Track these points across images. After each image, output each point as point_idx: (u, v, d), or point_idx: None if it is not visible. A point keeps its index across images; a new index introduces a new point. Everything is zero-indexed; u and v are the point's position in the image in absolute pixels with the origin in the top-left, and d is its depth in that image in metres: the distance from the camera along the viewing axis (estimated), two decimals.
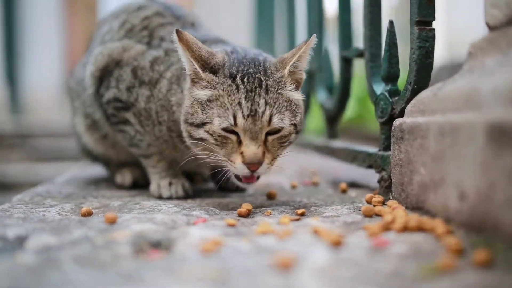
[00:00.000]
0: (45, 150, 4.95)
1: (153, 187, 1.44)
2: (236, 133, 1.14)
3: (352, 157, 1.53)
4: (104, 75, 1.46)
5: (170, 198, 1.39)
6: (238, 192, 1.52)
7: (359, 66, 1.76)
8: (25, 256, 0.83)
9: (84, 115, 1.62)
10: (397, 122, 1.21)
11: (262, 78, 1.15)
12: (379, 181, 1.34)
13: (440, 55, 1.21)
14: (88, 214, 1.16)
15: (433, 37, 1.22)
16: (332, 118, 1.84)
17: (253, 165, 1.13)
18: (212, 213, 1.19)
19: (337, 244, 0.86)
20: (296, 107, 1.19)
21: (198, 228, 1.00)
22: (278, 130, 1.16)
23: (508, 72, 0.88)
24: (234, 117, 1.12)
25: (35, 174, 4.16)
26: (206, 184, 1.69)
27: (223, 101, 1.13)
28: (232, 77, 1.15)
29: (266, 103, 1.13)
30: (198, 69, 1.16)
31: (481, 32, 1.10)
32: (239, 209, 1.17)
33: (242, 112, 1.12)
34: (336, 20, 1.75)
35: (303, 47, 1.19)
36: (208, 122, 1.15)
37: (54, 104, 6.86)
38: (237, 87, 1.14)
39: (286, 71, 1.19)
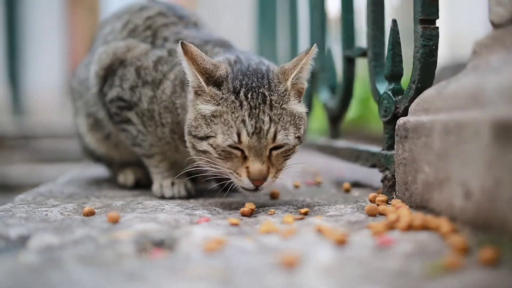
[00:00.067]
0: (47, 151, 4.96)
1: (155, 187, 1.44)
2: (241, 149, 1.13)
3: (355, 156, 1.53)
4: (108, 74, 1.46)
5: (172, 198, 1.39)
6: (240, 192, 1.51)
7: (360, 67, 1.76)
8: (27, 255, 0.83)
9: (87, 114, 1.62)
10: (401, 121, 1.20)
11: (266, 93, 1.14)
12: (382, 180, 1.33)
13: (442, 55, 1.21)
14: (91, 213, 1.15)
15: (436, 36, 1.22)
16: (335, 118, 1.83)
17: (258, 181, 1.13)
18: (215, 213, 1.18)
19: (341, 242, 0.86)
20: (299, 120, 1.18)
21: (201, 227, 1.00)
22: (281, 145, 1.15)
23: None
24: (239, 135, 1.11)
25: (37, 175, 4.16)
26: (208, 184, 1.68)
27: (227, 118, 1.12)
28: (236, 92, 1.14)
29: (270, 120, 1.12)
30: (203, 83, 1.15)
31: (483, 32, 1.09)
32: (242, 209, 1.17)
33: (247, 130, 1.11)
34: (338, 20, 1.74)
35: (304, 58, 1.18)
36: (212, 136, 1.14)
37: (56, 105, 6.87)
38: (241, 104, 1.12)
39: (289, 83, 1.18)
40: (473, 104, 0.92)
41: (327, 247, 0.85)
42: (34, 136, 5.25)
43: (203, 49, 1.29)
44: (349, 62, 1.68)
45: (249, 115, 1.11)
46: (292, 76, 1.18)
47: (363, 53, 1.52)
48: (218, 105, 1.14)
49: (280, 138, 1.13)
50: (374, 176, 1.53)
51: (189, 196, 1.41)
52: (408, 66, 1.32)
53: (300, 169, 1.95)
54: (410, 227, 0.95)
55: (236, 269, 0.75)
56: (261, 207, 1.25)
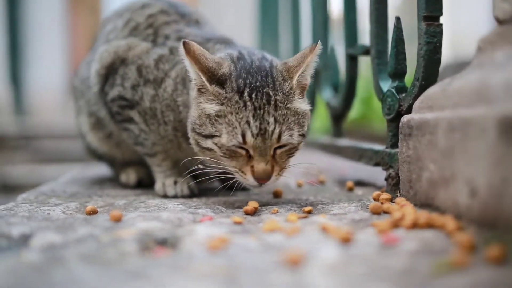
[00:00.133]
0: (49, 152, 4.96)
1: (158, 186, 1.43)
2: (245, 148, 1.13)
3: (358, 155, 1.52)
4: (109, 73, 1.45)
5: (175, 196, 1.38)
6: (243, 191, 1.51)
7: (362, 66, 1.75)
8: (29, 254, 0.82)
9: (89, 114, 1.61)
10: (404, 118, 1.19)
11: (271, 93, 1.13)
12: (386, 179, 1.32)
13: (444, 54, 1.20)
14: (93, 212, 1.15)
15: (440, 33, 1.21)
16: (338, 117, 1.82)
17: (263, 179, 1.14)
18: (218, 211, 1.18)
19: (346, 241, 0.85)
20: (303, 117, 1.18)
21: (205, 226, 0.99)
22: (286, 145, 1.15)
23: None
24: (243, 136, 1.11)
25: (38, 175, 4.16)
26: (211, 182, 1.68)
27: (231, 119, 1.12)
28: (240, 92, 1.13)
29: (275, 120, 1.12)
30: (206, 83, 1.14)
31: (485, 30, 1.08)
32: (245, 207, 1.16)
33: (251, 131, 1.11)
34: (341, 18, 1.74)
35: (310, 56, 1.18)
36: (216, 136, 1.14)
37: (58, 105, 6.87)
38: (245, 104, 1.12)
39: (294, 82, 1.17)
40: (479, 100, 0.91)
41: (332, 245, 0.84)
42: (35, 136, 5.25)
43: (205, 47, 1.28)
44: (352, 60, 1.68)
45: (253, 116, 1.11)
46: (297, 74, 1.17)
47: (366, 51, 1.52)
48: (222, 104, 1.13)
49: (285, 138, 1.13)
50: (378, 174, 1.53)
51: (192, 195, 1.40)
52: (411, 64, 1.32)
53: (303, 168, 1.94)
54: (415, 225, 0.94)
55: (240, 268, 0.74)
56: (264, 205, 1.24)
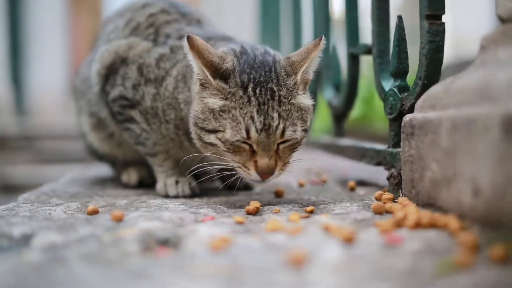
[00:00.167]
0: (50, 152, 4.95)
1: (159, 185, 1.42)
2: (249, 143, 1.13)
3: (360, 154, 1.51)
4: (110, 73, 1.45)
5: (176, 196, 1.38)
6: (245, 191, 1.51)
7: (363, 65, 1.74)
8: (31, 254, 0.82)
9: (89, 114, 1.61)
10: (407, 118, 1.19)
11: (275, 89, 1.13)
12: (388, 178, 1.32)
13: (445, 54, 1.20)
14: (95, 212, 1.15)
15: (443, 31, 1.20)
16: (340, 116, 1.82)
17: (266, 174, 1.14)
18: (220, 211, 1.17)
19: (349, 240, 0.84)
20: (306, 112, 1.18)
21: (206, 225, 0.99)
22: (290, 140, 1.15)
23: None
24: (247, 131, 1.11)
25: (40, 176, 4.16)
26: (212, 182, 1.67)
27: (235, 114, 1.12)
28: (244, 87, 1.13)
29: (279, 116, 1.12)
30: (209, 77, 1.14)
31: (486, 30, 1.08)
32: (247, 207, 1.16)
33: (255, 127, 1.10)
34: (342, 18, 1.73)
35: (314, 51, 1.18)
36: (220, 130, 1.13)
37: (59, 105, 6.88)
38: (249, 99, 1.11)
39: (299, 77, 1.17)
40: (482, 99, 0.91)
41: (335, 245, 0.83)
42: (36, 136, 5.25)
43: None
44: (353, 60, 1.67)
45: (257, 112, 1.11)
46: (302, 70, 1.17)
47: (368, 50, 1.51)
48: (226, 99, 1.13)
49: (289, 133, 1.13)
50: (379, 174, 1.52)
51: (193, 195, 1.40)
52: (413, 64, 1.31)
53: (304, 167, 1.94)
54: (417, 225, 0.94)
55: (243, 267, 0.74)
56: (266, 205, 1.24)
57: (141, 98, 1.39)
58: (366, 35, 1.59)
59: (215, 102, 1.14)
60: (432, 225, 0.93)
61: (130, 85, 1.40)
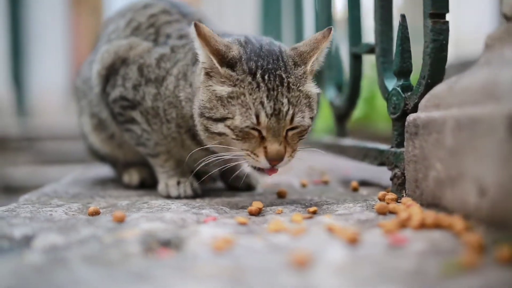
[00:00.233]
0: (52, 153, 4.95)
1: (161, 186, 1.42)
2: (258, 130, 1.12)
3: (363, 154, 1.50)
4: (110, 73, 1.44)
5: (178, 197, 1.37)
6: (247, 191, 1.50)
7: (364, 65, 1.73)
8: (32, 255, 0.81)
9: (91, 114, 1.60)
10: (410, 117, 1.18)
11: (284, 76, 1.13)
12: (391, 179, 1.31)
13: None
14: (96, 213, 1.14)
15: (447, 30, 1.19)
16: (342, 116, 1.81)
17: (275, 161, 1.13)
18: (222, 212, 1.16)
19: (353, 241, 0.83)
20: (313, 101, 1.19)
21: (209, 226, 0.98)
22: (297, 126, 1.15)
23: None
24: (257, 117, 1.10)
25: (41, 177, 4.15)
26: (214, 183, 1.67)
27: (245, 100, 1.11)
28: (252, 73, 1.12)
29: (289, 102, 1.12)
30: (217, 65, 1.13)
31: (486, 30, 1.07)
32: (249, 208, 1.15)
33: (265, 112, 1.10)
34: (344, 18, 1.72)
35: (324, 42, 1.19)
36: (229, 118, 1.12)
37: (60, 106, 6.88)
38: (258, 85, 1.11)
39: (309, 67, 1.18)
40: (487, 98, 0.90)
41: (339, 246, 0.82)
42: (38, 137, 5.25)
43: None
44: (356, 59, 1.66)
45: (267, 97, 1.11)
46: (312, 60, 1.18)
47: (371, 50, 1.50)
48: (234, 86, 1.13)
49: (297, 120, 1.13)
50: (382, 174, 1.51)
51: (195, 195, 1.39)
52: (415, 63, 1.30)
53: (306, 167, 1.93)
54: (422, 226, 0.92)
55: (246, 269, 0.73)
56: (268, 206, 1.23)
57: (141, 99, 1.38)
58: (368, 34, 1.59)
59: (223, 89, 1.13)
60: (437, 226, 0.92)
61: (131, 85, 1.39)
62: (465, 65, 1.13)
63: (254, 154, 1.13)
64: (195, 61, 1.30)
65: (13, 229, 0.94)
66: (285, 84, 1.13)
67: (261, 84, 1.11)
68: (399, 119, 1.30)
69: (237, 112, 1.11)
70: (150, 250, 0.84)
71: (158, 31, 1.44)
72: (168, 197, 1.38)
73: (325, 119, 3.13)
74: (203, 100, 1.16)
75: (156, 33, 1.44)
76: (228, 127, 1.13)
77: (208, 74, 1.16)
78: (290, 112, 1.12)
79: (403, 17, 1.29)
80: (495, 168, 0.83)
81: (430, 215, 0.94)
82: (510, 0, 0.99)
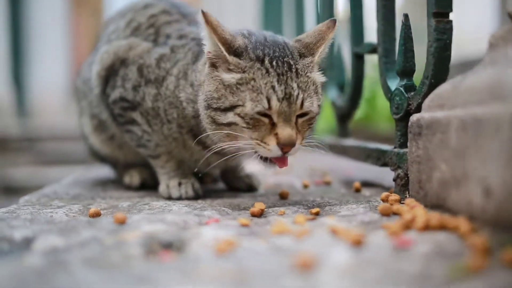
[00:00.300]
0: (52, 154, 4.95)
1: (162, 187, 1.41)
2: (268, 116, 1.11)
3: (365, 155, 1.49)
4: (110, 74, 1.43)
5: (179, 198, 1.36)
6: (248, 192, 1.49)
7: (366, 65, 1.72)
8: (32, 258, 0.80)
9: (91, 115, 1.59)
10: (414, 117, 1.17)
11: (291, 62, 1.14)
12: (394, 179, 1.30)
13: None
14: (97, 215, 1.13)
15: (451, 29, 1.18)
16: (344, 116, 1.80)
17: (287, 147, 1.11)
18: (224, 213, 1.15)
19: (358, 243, 0.82)
20: (319, 89, 1.19)
21: (211, 228, 0.97)
22: (306, 113, 1.15)
23: None
24: (268, 101, 1.09)
25: (41, 177, 4.15)
26: (215, 184, 1.66)
27: (255, 85, 1.11)
28: (260, 60, 1.13)
29: (298, 86, 1.12)
30: (225, 52, 1.13)
31: (487, 30, 1.06)
32: (252, 209, 1.14)
33: (277, 95, 1.10)
34: (346, 17, 1.71)
35: (330, 33, 1.20)
36: (239, 105, 1.11)
37: (61, 107, 6.87)
38: (267, 70, 1.11)
39: (316, 58, 1.19)
40: (493, 98, 0.89)
41: (343, 248, 0.81)
42: (38, 138, 5.25)
43: None
44: (358, 59, 1.65)
45: (277, 81, 1.11)
46: (320, 51, 1.19)
47: (373, 49, 1.49)
48: (243, 72, 1.12)
49: (307, 105, 1.13)
50: (384, 175, 1.50)
51: (196, 196, 1.37)
52: (417, 64, 1.29)
53: (308, 168, 1.92)
54: (427, 227, 0.91)
55: (249, 272, 0.72)
56: (270, 207, 1.22)
57: (141, 99, 1.37)
58: (370, 34, 1.57)
59: (232, 76, 1.13)
60: (442, 227, 0.91)
61: (130, 86, 1.38)
62: (465, 65, 1.12)
63: (264, 142, 1.12)
64: (195, 60, 1.30)
65: (13, 231, 0.94)
66: (294, 70, 1.13)
67: (270, 70, 1.11)
68: (402, 120, 1.29)
69: (248, 98, 1.10)
70: (151, 253, 0.83)
71: (158, 32, 1.43)
72: (170, 198, 1.37)
73: (326, 119, 3.12)
74: (210, 91, 1.16)
75: (156, 33, 1.43)
76: (238, 115, 1.11)
77: (213, 65, 1.16)
78: (300, 96, 1.12)
79: (406, 16, 1.28)
80: (501, 168, 0.82)
81: (435, 217, 0.93)
82: None
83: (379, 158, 1.39)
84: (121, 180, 1.64)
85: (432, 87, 1.19)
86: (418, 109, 1.22)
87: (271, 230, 0.94)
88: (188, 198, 1.36)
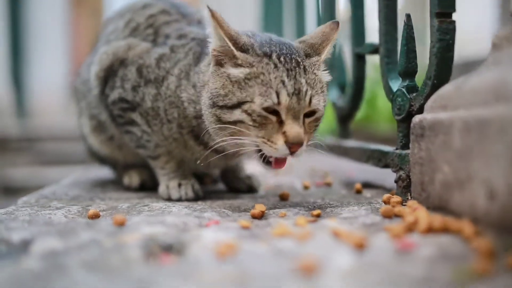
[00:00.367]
0: (52, 154, 4.94)
1: (162, 188, 1.39)
2: (277, 113, 1.10)
3: (366, 156, 1.48)
4: (109, 75, 1.42)
5: (179, 199, 1.35)
6: (249, 193, 1.48)
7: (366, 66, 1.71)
8: (30, 261, 0.79)
9: (90, 116, 1.58)
10: (416, 118, 1.16)
11: (299, 59, 1.13)
12: (396, 181, 1.28)
13: None
14: (96, 216, 1.12)
15: (453, 30, 1.17)
16: (345, 117, 1.79)
17: (295, 146, 1.09)
18: (224, 215, 1.14)
19: (360, 246, 0.81)
20: (325, 89, 1.19)
21: (211, 230, 0.96)
22: (313, 112, 1.14)
23: None
24: (278, 95, 1.08)
25: (41, 178, 4.14)
26: (215, 184, 1.65)
27: (264, 79, 1.09)
28: (268, 55, 1.12)
29: (306, 83, 1.11)
30: (232, 47, 1.12)
31: (487, 30, 1.05)
32: (252, 211, 1.12)
33: (287, 90, 1.08)
34: (347, 18, 1.70)
35: (334, 34, 1.21)
36: (247, 101, 1.10)
37: (60, 107, 6.86)
38: (276, 66, 1.10)
39: (322, 57, 1.19)
40: (497, 99, 0.87)
41: (346, 251, 0.80)
42: (37, 138, 5.24)
43: (208, 44, 1.25)
44: (359, 60, 1.64)
45: (287, 76, 1.10)
46: (326, 51, 1.20)
47: (375, 50, 1.48)
48: (252, 67, 1.11)
49: (315, 102, 1.12)
50: (385, 176, 1.49)
51: (196, 197, 1.36)
52: (419, 64, 1.28)
53: (309, 169, 1.91)
54: (429, 230, 0.90)
55: (250, 275, 0.71)
56: (271, 209, 1.21)
57: (141, 100, 1.36)
58: (371, 35, 1.56)
59: (240, 71, 1.12)
60: (445, 230, 0.90)
61: (130, 86, 1.37)
62: (466, 65, 1.11)
63: (271, 141, 1.10)
64: (197, 61, 1.28)
65: (11, 233, 0.92)
66: (302, 67, 1.12)
67: (279, 65, 1.10)
68: (404, 121, 1.27)
69: (257, 93, 1.09)
70: (151, 255, 0.82)
71: (157, 32, 1.42)
72: (169, 199, 1.36)
73: (327, 119, 3.11)
74: (216, 88, 1.14)
75: (155, 33, 1.42)
76: (246, 111, 1.10)
77: (219, 63, 1.15)
78: (309, 93, 1.11)
79: (408, 16, 1.27)
80: (505, 170, 0.81)
81: (438, 219, 0.92)
82: None
83: (381, 160, 1.38)
84: (121, 181, 1.63)
85: (434, 88, 1.18)
86: (421, 110, 1.21)
87: (272, 233, 0.93)
88: (188, 199, 1.35)
